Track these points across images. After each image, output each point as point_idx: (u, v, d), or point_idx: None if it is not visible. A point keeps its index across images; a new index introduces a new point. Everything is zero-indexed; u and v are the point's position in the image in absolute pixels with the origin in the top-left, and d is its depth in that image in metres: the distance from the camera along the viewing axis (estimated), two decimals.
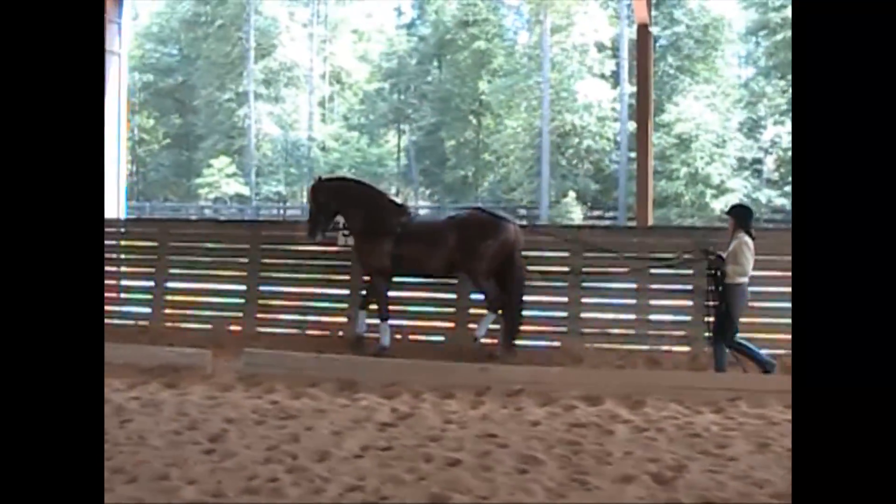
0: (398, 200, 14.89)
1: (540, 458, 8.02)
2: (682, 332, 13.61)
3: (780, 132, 59.10)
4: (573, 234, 15.24)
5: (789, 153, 41.78)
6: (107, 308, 15.45)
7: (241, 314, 15.36)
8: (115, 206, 19.11)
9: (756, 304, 12.87)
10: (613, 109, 62.07)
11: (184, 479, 7.28)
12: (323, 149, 71.69)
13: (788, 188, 46.71)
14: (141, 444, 8.36)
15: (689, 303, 13.39)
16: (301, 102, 74.79)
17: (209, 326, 15.30)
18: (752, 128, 60.58)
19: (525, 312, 13.80)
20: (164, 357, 12.55)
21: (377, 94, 76.73)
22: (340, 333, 14.24)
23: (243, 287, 15.43)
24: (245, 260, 15.52)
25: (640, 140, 18.18)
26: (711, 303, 12.28)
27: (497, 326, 13.62)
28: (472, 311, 14.00)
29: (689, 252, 13.04)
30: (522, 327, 13.72)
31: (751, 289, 12.54)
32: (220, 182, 66.17)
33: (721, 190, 55.78)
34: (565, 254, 14.51)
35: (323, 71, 76.91)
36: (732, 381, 11.39)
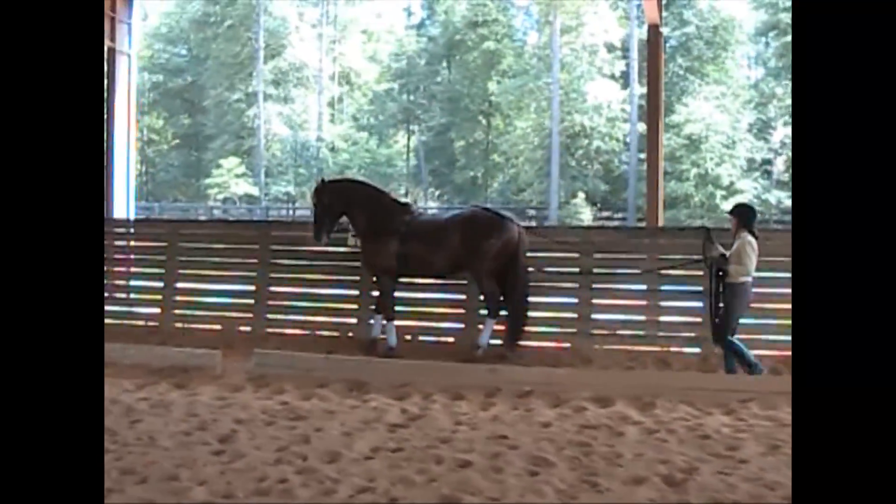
0: (402, 199, 14.81)
1: (550, 459, 8.00)
2: (692, 333, 13.58)
3: (790, 133, 58.92)
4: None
5: None
6: (116, 308, 15.51)
7: (250, 315, 15.34)
8: (124, 206, 19.13)
9: (768, 306, 12.88)
10: (623, 110, 62.03)
11: (194, 480, 7.28)
12: (332, 149, 71.67)
13: None
14: (150, 445, 8.36)
15: (699, 304, 13.35)
16: (310, 103, 74.76)
17: (219, 327, 15.29)
18: (761, 129, 60.50)
19: (531, 313, 13.81)
20: (173, 357, 12.57)
21: (386, 95, 76.63)
22: (350, 334, 14.23)
23: (253, 287, 15.42)
24: (255, 260, 15.51)
25: (651, 141, 18.12)
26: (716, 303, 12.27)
27: (501, 326, 13.61)
28: (482, 311, 13.94)
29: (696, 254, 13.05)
30: (527, 327, 13.72)
31: (762, 290, 12.55)
32: (230, 182, 66.19)
33: (731, 191, 55.70)
34: (563, 254, 14.57)
35: (332, 71, 76.91)
36: (743, 382, 11.36)
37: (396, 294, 14.16)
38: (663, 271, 13.71)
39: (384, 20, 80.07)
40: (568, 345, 13.98)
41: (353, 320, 14.51)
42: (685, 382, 11.19)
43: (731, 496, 7.07)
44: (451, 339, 14.44)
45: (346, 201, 13.99)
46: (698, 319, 13.32)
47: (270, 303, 15.39)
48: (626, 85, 62.60)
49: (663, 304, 14.00)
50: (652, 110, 18.07)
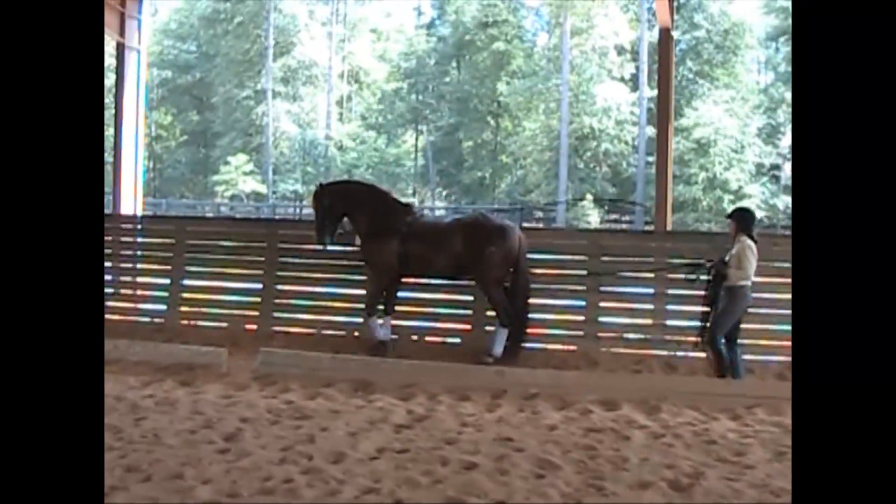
0: (404, 200, 14.80)
1: (556, 462, 8.00)
2: (698, 338, 13.57)
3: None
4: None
5: None
6: (122, 305, 15.50)
7: (257, 313, 15.32)
8: (131, 202, 19.12)
9: (774, 312, 12.90)
10: (632, 113, 61.95)
11: (198, 479, 7.27)
12: (340, 148, 71.62)
13: None
14: (156, 443, 8.35)
15: (706, 308, 13.34)
16: (319, 101, 74.69)
17: (225, 325, 15.27)
18: (770, 134, 60.38)
19: (538, 315, 13.85)
20: (179, 355, 12.58)
21: (395, 94, 76.60)
22: (357, 334, 14.20)
23: (259, 286, 15.40)
24: (262, 259, 15.50)
25: (660, 144, 18.08)
26: (707, 307, 12.29)
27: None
28: (488, 312, 13.92)
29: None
30: (528, 333, 13.71)
31: (767, 296, 12.55)
32: (237, 180, 66.13)
33: (739, 195, 55.65)
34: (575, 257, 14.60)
35: (341, 70, 76.82)
36: (749, 387, 11.37)
37: (403, 294, 14.22)
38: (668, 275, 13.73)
39: (394, 19, 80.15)
40: (574, 347, 13.95)
41: (360, 320, 14.44)
42: (691, 387, 11.22)
43: (737, 502, 7.07)
44: (457, 340, 14.39)
45: (346, 202, 13.99)
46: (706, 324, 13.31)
47: (277, 301, 15.34)
48: (635, 88, 62.58)
49: (670, 307, 13.95)
50: (662, 114, 18.03)
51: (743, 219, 12.35)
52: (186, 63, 78.15)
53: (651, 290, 14.06)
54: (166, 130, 78.52)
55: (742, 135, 57.22)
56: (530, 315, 13.71)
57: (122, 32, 18.78)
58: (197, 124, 78.44)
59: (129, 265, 16.51)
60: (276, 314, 15.28)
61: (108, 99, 24.37)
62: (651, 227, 26.67)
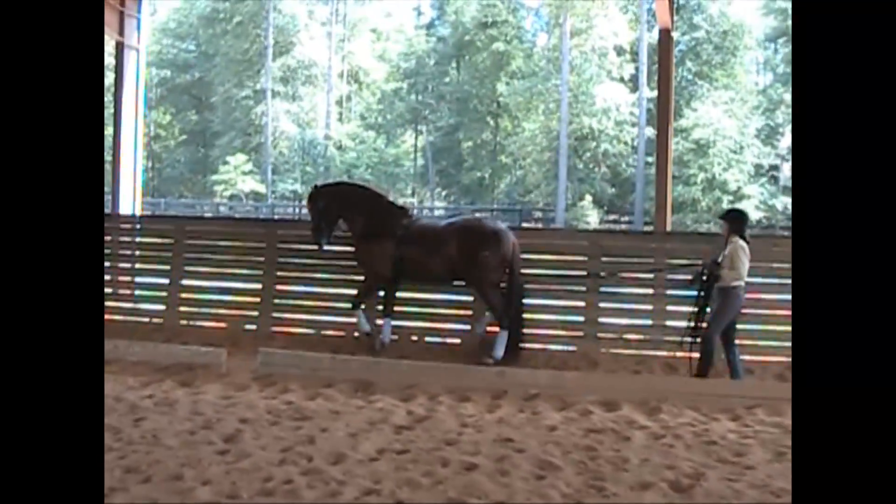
0: (399, 203, 14.80)
1: (557, 463, 8.00)
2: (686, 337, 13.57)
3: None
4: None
5: None
6: (121, 305, 15.47)
7: (256, 313, 15.29)
8: (130, 202, 19.10)
9: (778, 313, 12.92)
10: (632, 114, 61.97)
11: (198, 480, 7.26)
12: (339, 148, 71.65)
13: None
14: (155, 444, 8.34)
15: (697, 308, 13.34)
16: (318, 101, 74.74)
17: (224, 325, 15.25)
18: (769, 135, 60.43)
19: (538, 315, 13.88)
20: (178, 355, 12.55)
21: (395, 94, 76.69)
22: (356, 334, 14.16)
23: (259, 286, 15.38)
24: (261, 259, 15.48)
25: (660, 145, 18.04)
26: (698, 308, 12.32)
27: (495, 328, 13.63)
28: (488, 313, 13.91)
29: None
30: (525, 335, 13.73)
31: (768, 296, 12.57)
32: (236, 179, 66.14)
33: (738, 196, 55.77)
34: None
35: (341, 70, 76.86)
36: (749, 388, 11.35)
37: (403, 294, 14.21)
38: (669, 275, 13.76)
39: (394, 19, 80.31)
40: (574, 348, 13.95)
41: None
42: (692, 387, 11.21)
43: (737, 503, 7.05)
44: (457, 341, 14.37)
45: (342, 204, 13.99)
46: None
47: (276, 301, 15.32)
48: (634, 88, 62.63)
49: (670, 308, 13.94)
50: (662, 114, 17.99)
51: (736, 220, 12.38)
52: (185, 62, 78.32)
53: (651, 291, 14.06)
54: (165, 130, 78.65)
55: (741, 136, 57.27)
56: (530, 316, 13.74)
57: (121, 31, 18.75)
58: (196, 124, 78.56)
59: (128, 265, 16.49)
60: (276, 314, 15.26)
61: (107, 98, 24.32)
62: (650, 228, 26.68)
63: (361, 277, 14.25)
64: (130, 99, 19.31)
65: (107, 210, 18.06)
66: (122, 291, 16.24)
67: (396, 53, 78.11)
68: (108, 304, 14.94)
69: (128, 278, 16.46)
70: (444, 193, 75.34)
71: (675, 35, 17.52)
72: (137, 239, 16.59)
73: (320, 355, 12.55)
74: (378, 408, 10.13)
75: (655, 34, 49.42)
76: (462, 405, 10.42)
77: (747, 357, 12.87)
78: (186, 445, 8.33)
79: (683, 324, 12.51)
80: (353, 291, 14.21)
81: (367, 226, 13.83)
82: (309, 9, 73.83)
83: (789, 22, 59.25)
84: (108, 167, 19.59)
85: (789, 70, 60.21)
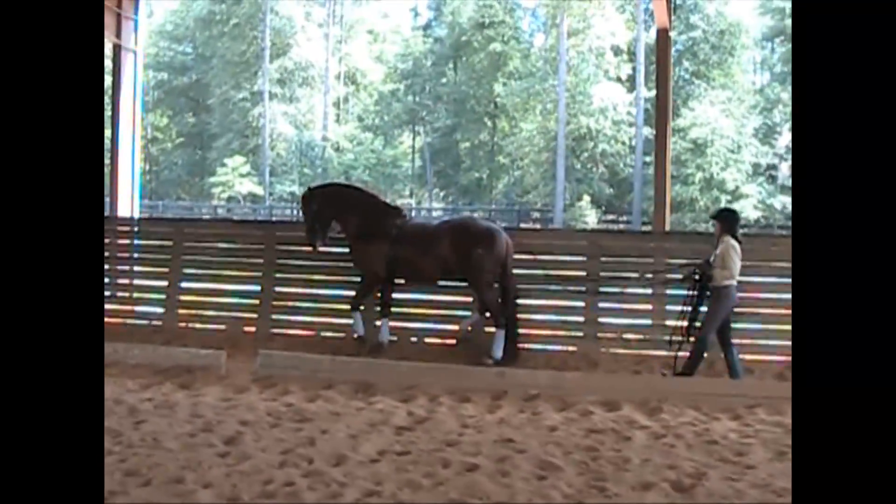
0: (393, 204, 14.80)
1: (558, 463, 7.98)
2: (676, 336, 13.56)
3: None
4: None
5: None
6: (120, 308, 15.46)
7: (255, 315, 15.28)
8: (128, 204, 19.08)
9: (777, 312, 12.92)
10: (629, 113, 62.01)
11: (199, 483, 7.24)
12: (337, 149, 71.69)
13: None
14: (155, 447, 8.32)
15: (704, 308, 13.33)
16: (316, 102, 74.80)
17: (223, 327, 15.24)
18: (767, 134, 60.47)
19: (538, 316, 13.92)
20: (178, 357, 12.52)
21: (392, 95, 76.81)
22: (356, 335, 14.13)
23: (258, 288, 15.37)
24: (260, 261, 15.46)
25: (659, 144, 18.03)
26: (688, 307, 12.35)
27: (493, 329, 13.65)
28: (473, 313, 13.92)
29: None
30: (531, 332, 13.79)
31: (768, 295, 12.59)
32: (234, 181, 66.16)
33: (736, 195, 55.79)
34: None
35: (338, 71, 76.93)
36: (750, 387, 11.35)
37: (404, 295, 14.24)
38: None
39: (391, 21, 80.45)
40: (574, 348, 13.94)
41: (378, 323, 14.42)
42: (692, 387, 11.19)
43: (740, 502, 7.04)
44: (455, 342, 14.36)
45: (336, 205, 14.00)
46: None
47: (276, 303, 15.31)
48: (632, 88, 62.66)
49: (670, 308, 13.93)
50: (660, 114, 17.98)
51: (727, 219, 12.44)
52: (182, 65, 78.41)
53: (650, 291, 14.06)
54: (162, 132, 78.73)
55: (738, 135, 57.27)
56: (530, 317, 13.77)
57: (118, 34, 18.74)
58: (193, 126, 78.65)
59: (127, 267, 16.48)
60: (275, 316, 15.24)
61: (105, 101, 24.34)
62: (649, 228, 26.69)
63: (359, 279, 14.25)
64: (128, 101, 19.30)
65: (105, 213, 18.04)
66: (120, 294, 16.23)
67: (393, 55, 78.26)
68: (106, 306, 14.92)
69: (126, 281, 16.44)
70: (442, 194, 75.37)
71: (672, 35, 17.48)
72: (136, 241, 16.58)
73: (320, 357, 12.54)
74: (378, 409, 10.13)
75: (652, 34, 49.40)
76: (462, 406, 10.41)
77: (747, 357, 12.88)
78: (187, 448, 8.31)
79: (680, 323, 12.52)
80: (352, 293, 14.20)
81: (361, 226, 13.84)
82: (306, 10, 73.84)
83: (786, 21, 59.61)
84: (106, 170, 19.59)
85: (786, 69, 60.47)
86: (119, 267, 16.34)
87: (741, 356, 12.47)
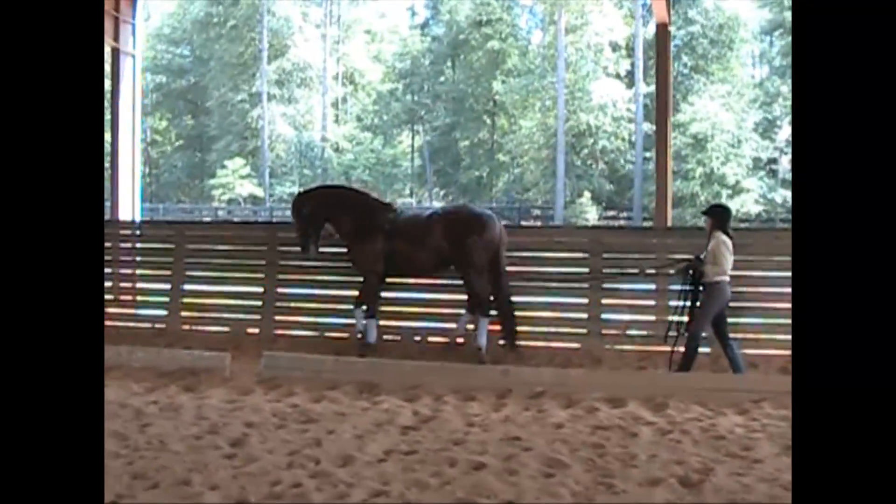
0: (384, 200, 14.78)
1: (565, 461, 7.96)
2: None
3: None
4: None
5: None
6: (123, 311, 15.46)
7: (258, 316, 15.28)
8: (129, 208, 19.07)
9: (780, 306, 12.91)
10: (628, 109, 62.03)
11: (206, 485, 7.23)
12: (336, 150, 71.76)
13: None
14: (162, 449, 8.31)
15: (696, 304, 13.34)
16: (314, 103, 74.88)
17: (227, 329, 15.24)
18: (767, 128, 60.49)
19: (542, 313, 13.92)
20: (182, 360, 12.50)
21: (391, 95, 76.87)
22: (360, 336, 14.12)
23: (261, 289, 15.36)
24: (262, 262, 15.45)
25: (659, 140, 18.00)
26: (682, 303, 12.35)
27: (496, 327, 13.69)
28: (492, 312, 13.91)
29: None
30: (520, 323, 13.75)
31: (771, 290, 12.61)
32: (234, 183, 66.22)
33: (736, 190, 55.84)
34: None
35: (336, 72, 77.02)
36: (755, 382, 11.34)
37: (405, 295, 14.24)
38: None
39: (388, 20, 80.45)
40: (577, 345, 13.94)
41: (363, 321, 14.38)
42: (697, 383, 11.16)
43: (748, 497, 7.05)
44: (460, 340, 14.34)
45: (327, 207, 13.99)
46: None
47: (278, 304, 15.32)
48: (631, 84, 62.69)
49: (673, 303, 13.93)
50: (660, 109, 17.95)
51: (718, 215, 12.46)
52: (180, 67, 78.43)
53: (653, 287, 14.04)
54: (162, 135, 78.77)
55: (739, 129, 57.25)
56: (534, 314, 13.79)
57: (116, 37, 18.73)
58: (192, 128, 78.73)
59: (129, 271, 16.48)
60: (278, 317, 15.24)
61: (104, 104, 24.33)
62: (650, 224, 26.69)
63: (361, 278, 14.25)
64: (127, 105, 19.29)
65: (106, 216, 18.04)
66: (123, 297, 16.23)
67: (391, 54, 78.31)
68: (109, 310, 14.92)
69: (129, 284, 16.45)
70: (442, 193, 75.33)
71: (671, 29, 17.46)
72: (138, 245, 16.59)
73: (324, 357, 12.54)
74: (383, 409, 10.11)
75: (650, 29, 49.37)
76: (467, 405, 10.39)
77: (751, 351, 12.88)
78: (193, 450, 8.30)
79: (674, 318, 12.53)
80: (355, 293, 14.18)
81: (354, 225, 13.84)
82: (303, 11, 73.88)
83: (784, 14, 59.53)
84: (106, 174, 19.58)
85: (785, 62, 60.45)
86: (122, 270, 16.33)
87: (745, 350, 12.48)
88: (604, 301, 14.18)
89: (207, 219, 58.14)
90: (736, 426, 9.42)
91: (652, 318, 13.96)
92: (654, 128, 21.41)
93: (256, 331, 15.10)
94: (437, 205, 65.56)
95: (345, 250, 14.19)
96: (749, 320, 13.32)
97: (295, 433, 9.01)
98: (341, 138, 72.89)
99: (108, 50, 19.10)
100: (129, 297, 16.30)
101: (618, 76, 63.52)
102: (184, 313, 15.64)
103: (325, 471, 7.64)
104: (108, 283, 15.57)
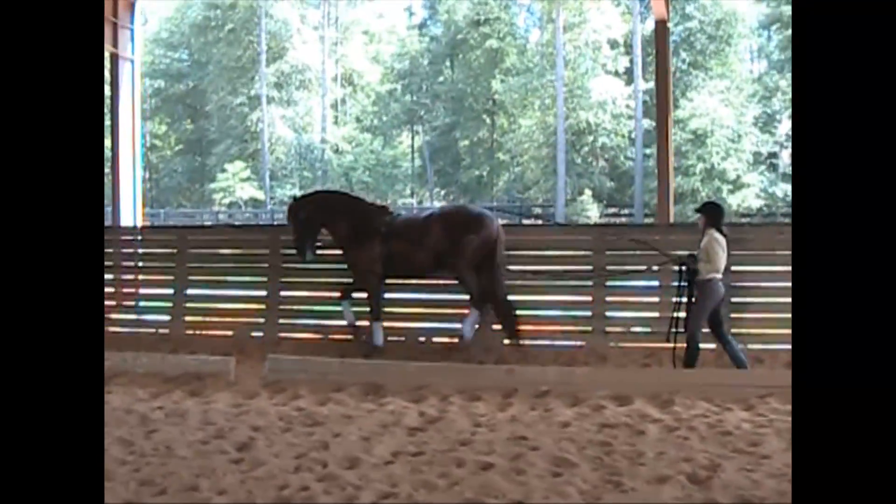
0: (379, 202, 14.82)
1: (572, 459, 7.96)
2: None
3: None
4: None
5: None
6: (126, 317, 15.47)
7: (262, 320, 15.27)
8: (130, 213, 19.07)
9: (783, 301, 12.92)
10: (628, 106, 62.01)
11: (214, 490, 7.22)
12: (336, 151, 71.70)
13: None
14: (168, 455, 8.29)
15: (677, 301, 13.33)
16: (314, 105, 74.85)
17: (231, 333, 15.21)
18: (766, 122, 60.50)
19: (546, 311, 13.92)
20: (186, 365, 12.49)
21: (390, 96, 76.81)
22: (364, 337, 14.10)
23: (264, 292, 15.34)
24: (265, 265, 15.43)
25: (660, 136, 17.98)
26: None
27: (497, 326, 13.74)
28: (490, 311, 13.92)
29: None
30: (520, 319, 13.74)
31: (774, 284, 12.62)
32: (234, 187, 66.20)
33: (737, 185, 55.90)
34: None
35: (335, 73, 77.00)
36: (761, 377, 11.32)
37: (407, 295, 14.26)
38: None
39: (386, 21, 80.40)
40: (583, 343, 13.92)
41: (366, 323, 14.35)
42: (703, 379, 11.16)
43: (757, 493, 7.03)
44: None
45: (323, 212, 14.02)
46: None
47: (282, 307, 15.30)
48: (630, 81, 62.66)
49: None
50: (660, 106, 17.94)
51: (712, 213, 12.46)
52: (179, 72, 78.34)
53: (657, 284, 14.02)
54: (161, 140, 78.67)
55: (738, 124, 57.29)
56: (539, 312, 13.80)
57: (115, 43, 18.73)
58: (192, 133, 78.65)
59: (132, 277, 16.48)
60: (282, 320, 15.22)
61: (104, 110, 24.34)
62: (652, 220, 26.69)
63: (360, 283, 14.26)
64: (127, 110, 19.29)
65: (107, 223, 18.04)
66: (126, 303, 16.23)
67: (390, 54, 78.24)
68: (112, 316, 14.93)
69: (132, 290, 16.44)
70: (442, 193, 75.32)
71: (669, 26, 17.44)
72: (140, 250, 16.59)
73: (329, 360, 12.53)
74: (389, 410, 10.10)
75: (648, 26, 49.30)
76: (473, 405, 10.38)
77: (757, 346, 12.88)
78: (200, 455, 8.29)
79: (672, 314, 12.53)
80: (359, 295, 14.18)
81: (351, 230, 13.86)
82: (301, 13, 73.84)
83: (782, 8, 59.46)
84: (107, 179, 19.58)
85: (784, 57, 60.44)
86: (124, 276, 16.33)
87: (748, 346, 12.49)
88: (608, 299, 14.16)
89: (209, 223, 58.16)
90: (743, 422, 9.42)
91: (656, 314, 13.94)
92: (653, 124, 21.41)
93: (260, 334, 15.09)
94: (438, 205, 65.81)
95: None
96: (753, 315, 13.31)
97: (301, 436, 9.00)
98: (341, 140, 72.85)
99: (107, 56, 19.10)
100: (132, 303, 16.30)
101: (616, 73, 63.49)
102: (187, 318, 15.62)
103: (333, 473, 7.62)
104: (110, 290, 15.55)
